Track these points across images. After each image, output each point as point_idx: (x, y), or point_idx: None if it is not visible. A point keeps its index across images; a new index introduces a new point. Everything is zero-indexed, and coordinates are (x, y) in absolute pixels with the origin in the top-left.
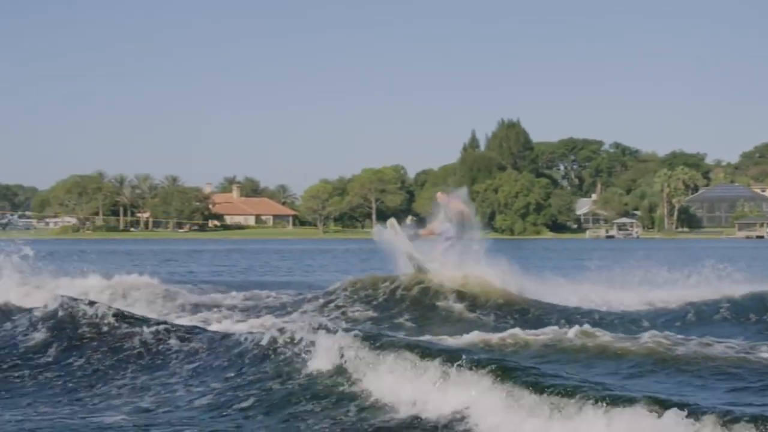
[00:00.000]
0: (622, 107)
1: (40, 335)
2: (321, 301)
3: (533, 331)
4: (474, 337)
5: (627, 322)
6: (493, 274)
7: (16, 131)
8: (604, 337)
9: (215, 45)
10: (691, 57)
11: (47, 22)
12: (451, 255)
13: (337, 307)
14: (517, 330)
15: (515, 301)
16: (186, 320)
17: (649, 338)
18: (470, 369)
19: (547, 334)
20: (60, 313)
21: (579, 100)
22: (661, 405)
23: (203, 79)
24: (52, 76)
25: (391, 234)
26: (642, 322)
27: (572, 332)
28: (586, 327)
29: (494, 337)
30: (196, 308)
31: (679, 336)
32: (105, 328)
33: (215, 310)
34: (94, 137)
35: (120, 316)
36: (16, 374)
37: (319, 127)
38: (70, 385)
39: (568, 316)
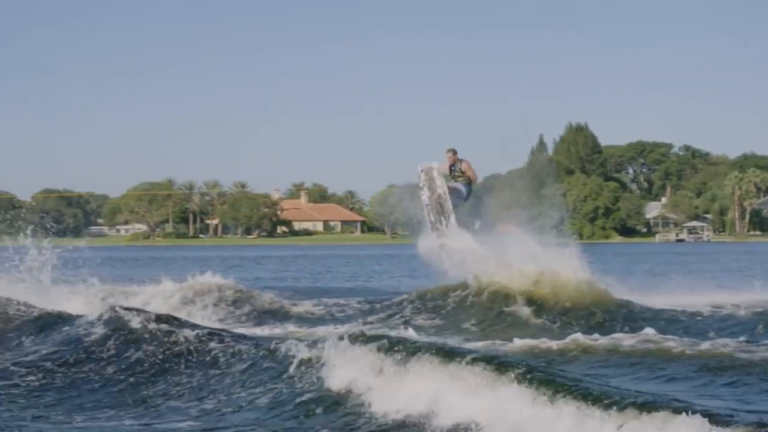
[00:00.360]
0: (692, 109)
1: (94, 339)
2: (389, 311)
3: (596, 337)
4: (537, 343)
5: (694, 327)
6: (568, 266)
7: (86, 140)
8: (668, 342)
9: (284, 49)
10: (761, 58)
11: (110, 29)
12: (461, 219)
13: (403, 317)
14: (578, 335)
15: (583, 305)
16: (247, 329)
17: (714, 344)
18: (495, 374)
19: (611, 339)
20: (109, 322)
21: (647, 102)
22: (677, 410)
23: (271, 84)
24: (121, 84)
25: (426, 180)
26: (709, 328)
27: (635, 338)
28: (650, 332)
29: (554, 344)
30: (263, 316)
31: (747, 342)
32: (153, 335)
33: (281, 318)
34: (164, 144)
35: (167, 322)
36: (82, 374)
37: (387, 132)
38: (131, 380)
39: (635, 320)
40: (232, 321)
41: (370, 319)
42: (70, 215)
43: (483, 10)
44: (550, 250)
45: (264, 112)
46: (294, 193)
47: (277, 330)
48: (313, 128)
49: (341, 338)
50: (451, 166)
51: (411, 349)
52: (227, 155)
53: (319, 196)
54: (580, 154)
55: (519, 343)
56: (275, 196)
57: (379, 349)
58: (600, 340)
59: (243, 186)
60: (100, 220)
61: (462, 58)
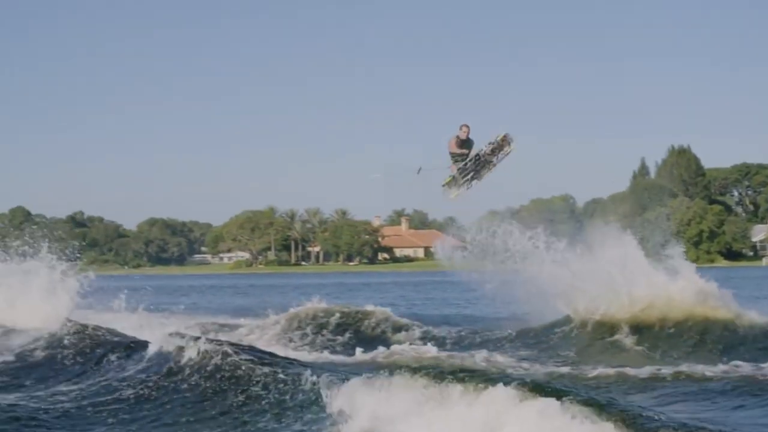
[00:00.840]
0: None
1: (171, 365)
2: (489, 345)
3: (690, 365)
4: (624, 370)
5: None
6: (682, 287)
7: (191, 170)
8: (760, 371)
9: (385, 71)
10: None
11: (208, 55)
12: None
13: (502, 350)
14: (670, 364)
15: (687, 331)
16: (337, 356)
17: None
18: (525, 396)
19: (703, 367)
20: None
21: (752, 123)
22: None
23: (369, 111)
24: (223, 112)
25: (498, 145)
26: None
27: (727, 366)
28: (741, 362)
29: (641, 371)
30: (362, 343)
31: None
32: (209, 363)
33: (379, 345)
34: (265, 173)
35: (235, 351)
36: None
37: None
38: (209, 396)
39: (735, 346)
40: (328, 350)
41: (471, 351)
42: (174, 244)
43: (583, 36)
44: (662, 269)
45: (364, 138)
46: (395, 220)
47: (369, 358)
48: (412, 154)
49: (373, 374)
50: (463, 140)
51: (446, 379)
52: (328, 182)
53: (420, 222)
54: (683, 177)
55: (602, 370)
56: (376, 222)
57: (408, 382)
58: (692, 368)
59: (344, 213)
60: (203, 249)
61: (563, 80)
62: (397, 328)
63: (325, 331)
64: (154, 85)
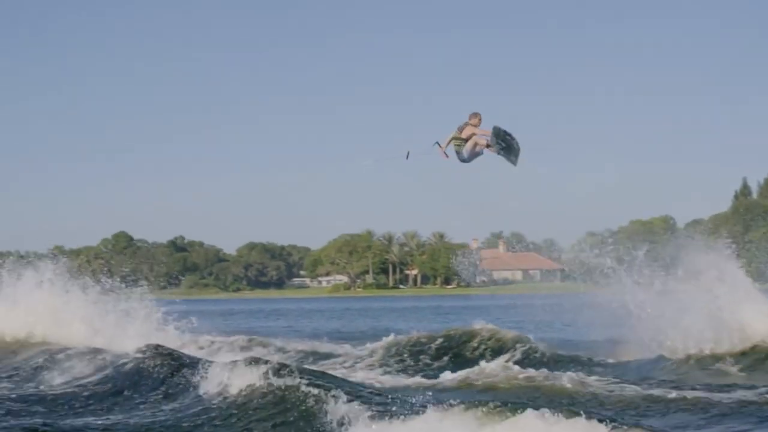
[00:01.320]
0: None
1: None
2: (585, 368)
3: None
4: (710, 395)
5: None
6: None
7: (289, 194)
8: None
9: (474, 101)
10: None
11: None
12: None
13: (596, 373)
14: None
15: None
16: (431, 379)
17: None
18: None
19: None
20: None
21: None
22: None
23: None
24: (319, 135)
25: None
26: None
27: None
28: None
29: (734, 396)
30: (458, 365)
31: None
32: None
33: (474, 368)
34: (363, 196)
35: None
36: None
37: (585, 180)
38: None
39: None
40: (421, 374)
41: (564, 371)
42: (273, 267)
43: (680, 55)
44: None
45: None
46: (492, 242)
47: (456, 380)
48: (510, 176)
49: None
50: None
51: (478, 409)
52: (425, 205)
53: (518, 244)
54: None
55: (689, 393)
56: (473, 245)
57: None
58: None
59: (441, 236)
60: (302, 272)
61: (663, 99)
62: (498, 350)
63: (423, 356)
64: (254, 108)
